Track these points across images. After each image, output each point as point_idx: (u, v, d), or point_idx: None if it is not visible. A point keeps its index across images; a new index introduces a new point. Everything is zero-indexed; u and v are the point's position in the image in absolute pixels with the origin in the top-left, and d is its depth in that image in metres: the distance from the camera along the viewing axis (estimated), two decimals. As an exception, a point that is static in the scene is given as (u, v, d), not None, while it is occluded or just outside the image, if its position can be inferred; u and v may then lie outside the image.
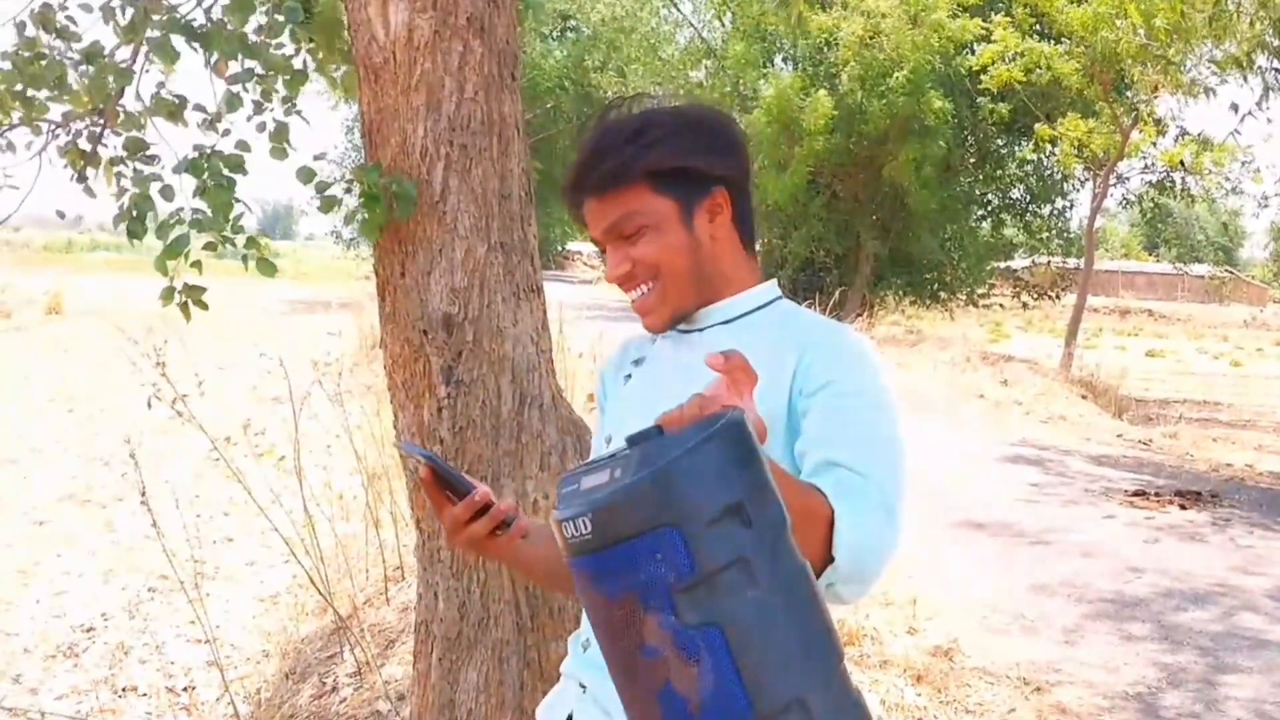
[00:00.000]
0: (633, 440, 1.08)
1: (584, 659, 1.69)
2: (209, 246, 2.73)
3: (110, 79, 2.96)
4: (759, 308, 1.65)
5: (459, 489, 1.50)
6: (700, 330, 1.64)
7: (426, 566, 2.75)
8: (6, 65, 3.13)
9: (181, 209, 2.73)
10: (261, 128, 2.92)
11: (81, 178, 3.16)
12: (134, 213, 2.75)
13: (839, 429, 1.44)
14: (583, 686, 1.67)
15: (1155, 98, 17.45)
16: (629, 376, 1.74)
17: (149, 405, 4.09)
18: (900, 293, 24.94)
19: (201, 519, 7.08)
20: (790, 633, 1.01)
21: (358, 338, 13.16)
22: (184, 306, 2.82)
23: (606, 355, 1.88)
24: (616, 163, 1.56)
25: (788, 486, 1.13)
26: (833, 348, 1.53)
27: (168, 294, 2.83)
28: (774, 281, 1.70)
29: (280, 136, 2.89)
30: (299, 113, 3.01)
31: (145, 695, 5.15)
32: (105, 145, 3.17)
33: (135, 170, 3.03)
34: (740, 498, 1.00)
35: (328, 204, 2.60)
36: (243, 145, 2.82)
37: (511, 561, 1.70)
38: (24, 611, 6.14)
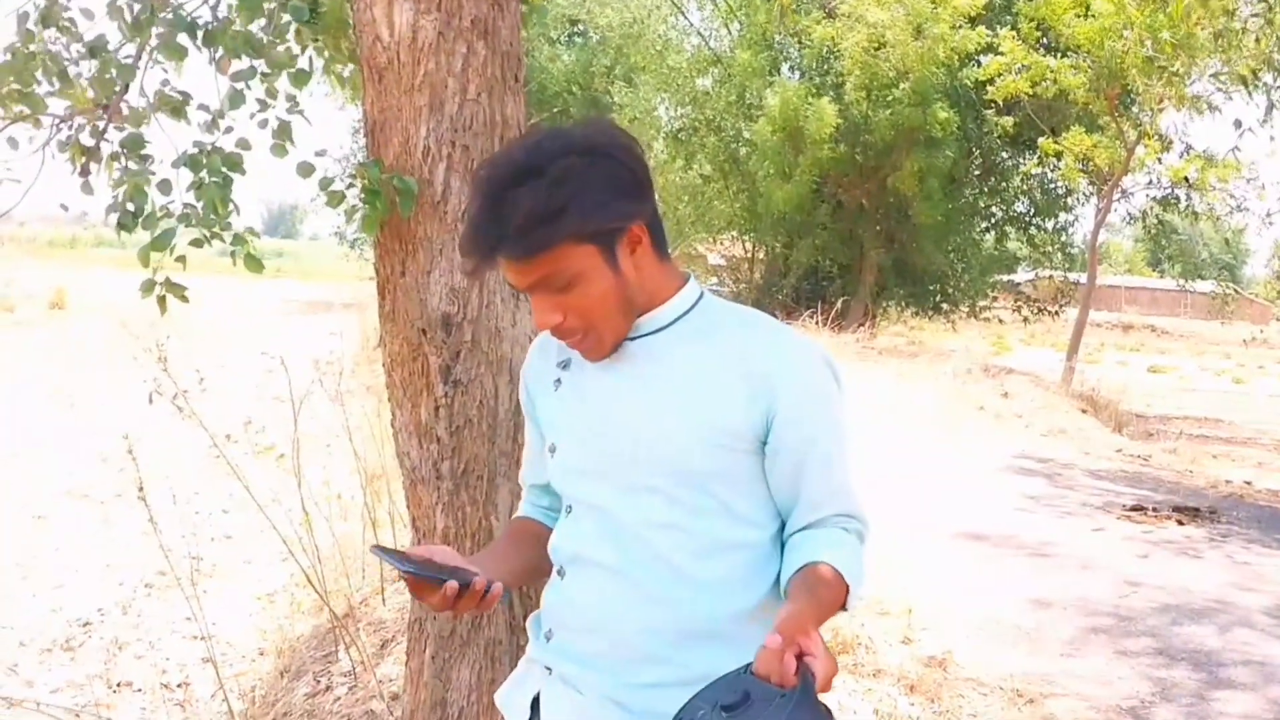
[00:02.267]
0: (728, 707, 1.30)
1: (548, 647, 1.75)
2: (195, 243, 2.73)
3: (114, 74, 2.97)
4: (688, 311, 1.69)
5: (436, 579, 1.57)
6: (633, 339, 1.68)
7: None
8: (6, 57, 3.14)
9: (172, 202, 2.74)
10: (264, 124, 2.93)
11: (84, 173, 3.17)
12: (127, 205, 2.76)
13: (831, 485, 1.67)
14: (548, 669, 1.73)
15: (1160, 111, 17.46)
16: (558, 381, 1.76)
17: (150, 400, 4.10)
18: (903, 303, 24.96)
19: (200, 516, 7.10)
20: None
21: (359, 338, 13.17)
22: (161, 300, 2.82)
23: (526, 359, 1.89)
24: (531, 238, 1.53)
25: (825, 609, 1.56)
26: (808, 399, 1.66)
27: (147, 286, 2.83)
28: (694, 280, 1.74)
29: (283, 135, 2.90)
30: (301, 112, 3.02)
31: (140, 691, 5.16)
32: (108, 141, 3.18)
33: (129, 168, 3.03)
34: None
35: (334, 199, 2.61)
36: (243, 143, 2.83)
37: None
38: (21, 605, 6.15)
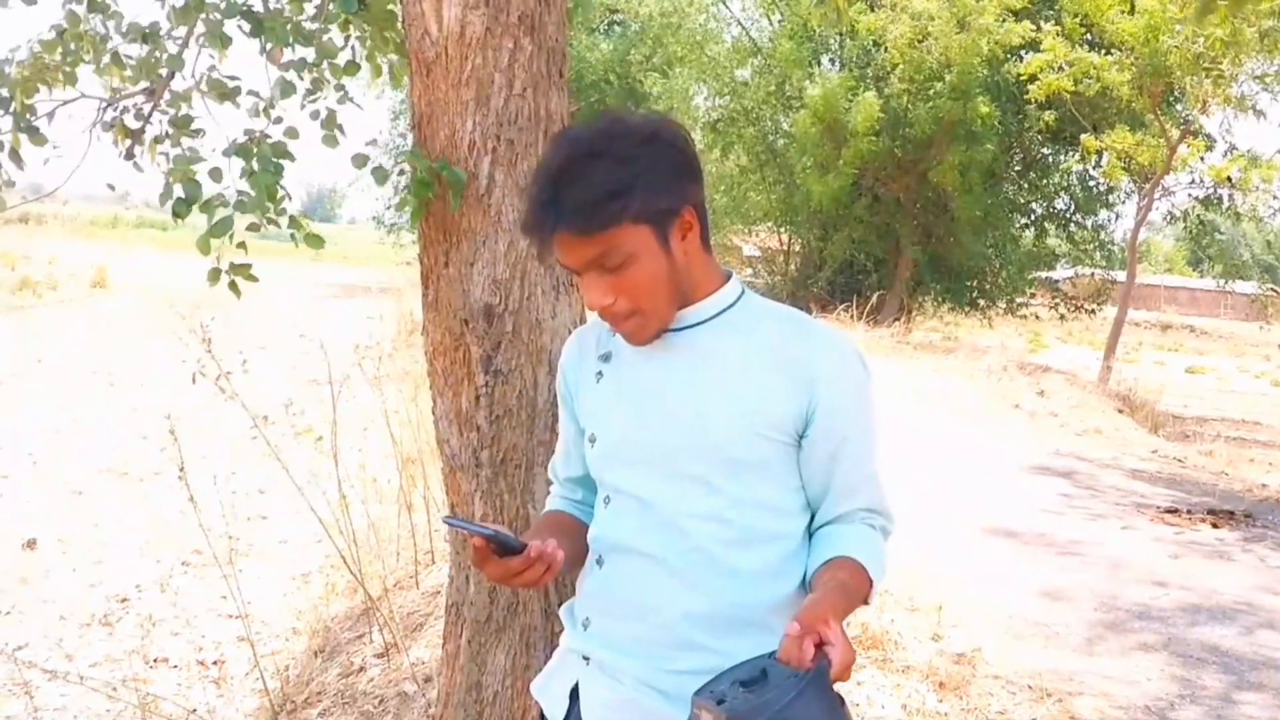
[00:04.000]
0: (745, 683, 1.39)
1: (586, 635, 1.78)
2: (252, 227, 2.79)
3: (162, 57, 3.02)
4: (730, 306, 1.75)
5: (510, 549, 1.59)
6: (677, 330, 1.73)
7: (459, 550, 2.80)
8: (51, 35, 3.20)
9: (227, 188, 2.79)
10: (315, 116, 2.97)
11: (129, 155, 3.23)
12: (181, 194, 2.81)
13: (860, 478, 1.74)
14: (586, 659, 1.76)
15: (1206, 110, 17.26)
16: (599, 374, 1.81)
17: (193, 380, 4.17)
18: (939, 298, 24.79)
19: (237, 495, 7.19)
20: None
21: (397, 323, 13.26)
22: (233, 285, 2.88)
23: (565, 350, 1.93)
24: (597, 210, 1.59)
25: (849, 601, 1.62)
26: (846, 392, 1.71)
27: (214, 275, 2.90)
28: (735, 277, 1.80)
29: (331, 124, 2.95)
30: (351, 100, 3.07)
31: (176, 667, 5.25)
32: (152, 123, 3.24)
33: (182, 147, 3.09)
34: None
35: (381, 175, 2.66)
36: (291, 132, 2.88)
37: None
38: (61, 580, 6.27)
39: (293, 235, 2.78)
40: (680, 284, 1.69)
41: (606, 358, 1.81)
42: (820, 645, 1.40)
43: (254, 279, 2.91)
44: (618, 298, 1.65)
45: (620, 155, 1.61)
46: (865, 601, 1.69)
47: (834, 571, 1.66)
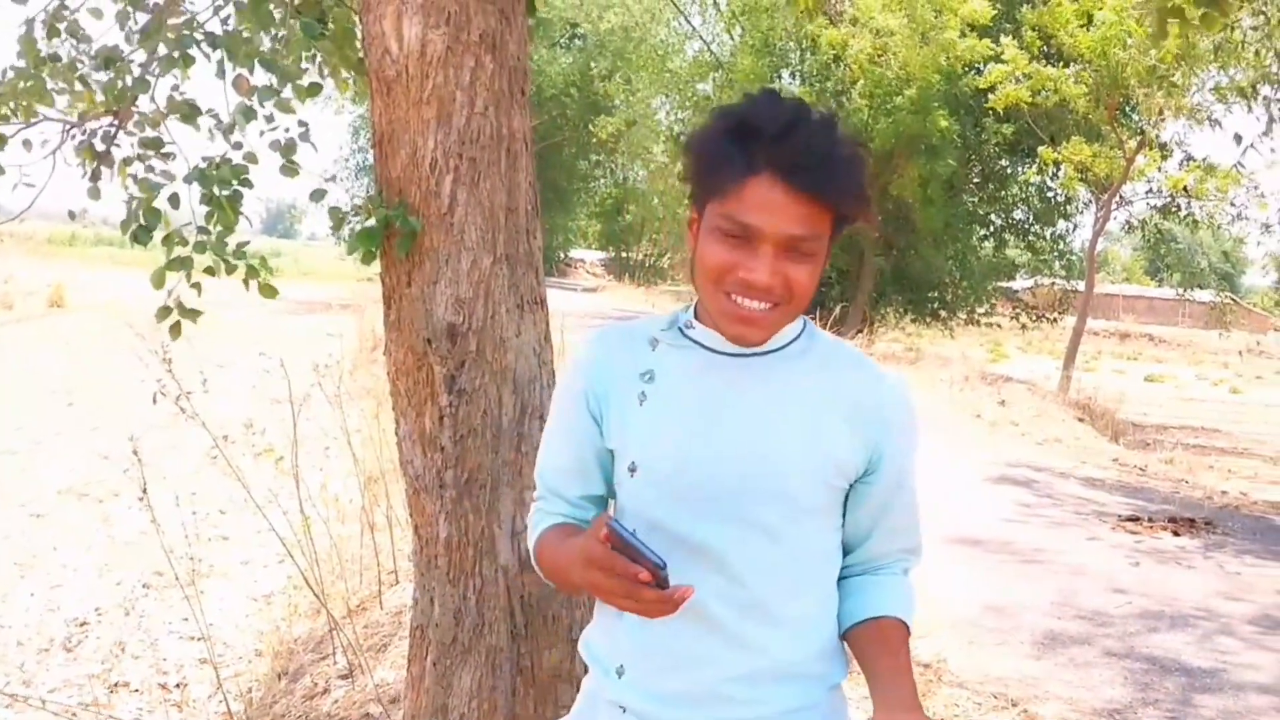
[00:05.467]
0: None
1: (620, 684, 1.64)
2: (209, 271, 2.78)
3: (127, 82, 3.01)
4: (797, 336, 1.63)
5: (643, 558, 1.38)
6: (740, 356, 1.59)
7: (424, 572, 2.78)
8: (22, 63, 3.18)
9: (188, 224, 2.78)
10: (275, 146, 2.96)
11: (94, 177, 3.21)
12: (142, 221, 2.80)
13: (907, 521, 1.71)
14: (622, 709, 1.63)
15: (1160, 121, 17.51)
16: (643, 395, 1.62)
17: (154, 401, 4.12)
18: (901, 310, 24.99)
19: (198, 516, 7.12)
20: None
21: (357, 339, 13.20)
22: (175, 327, 2.88)
23: (592, 357, 1.67)
24: (843, 182, 1.46)
25: (908, 677, 1.57)
26: (907, 441, 1.66)
27: (163, 312, 2.89)
28: None
29: (289, 153, 2.94)
30: (310, 141, 3.06)
31: (138, 691, 5.18)
32: (118, 146, 3.22)
33: (149, 168, 3.07)
34: None
35: (336, 216, 2.65)
36: (250, 157, 2.87)
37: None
38: (19, 604, 6.17)
39: (245, 281, 2.77)
40: None
41: (649, 377, 1.62)
42: None
43: (195, 322, 2.91)
44: (783, 283, 1.47)
45: (862, 153, 1.50)
46: None
47: (894, 647, 1.60)
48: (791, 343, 1.61)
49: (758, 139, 1.44)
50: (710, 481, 1.56)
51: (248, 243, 2.79)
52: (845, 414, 1.58)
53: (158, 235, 2.80)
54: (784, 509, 1.55)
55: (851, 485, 1.62)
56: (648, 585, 1.37)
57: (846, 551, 1.69)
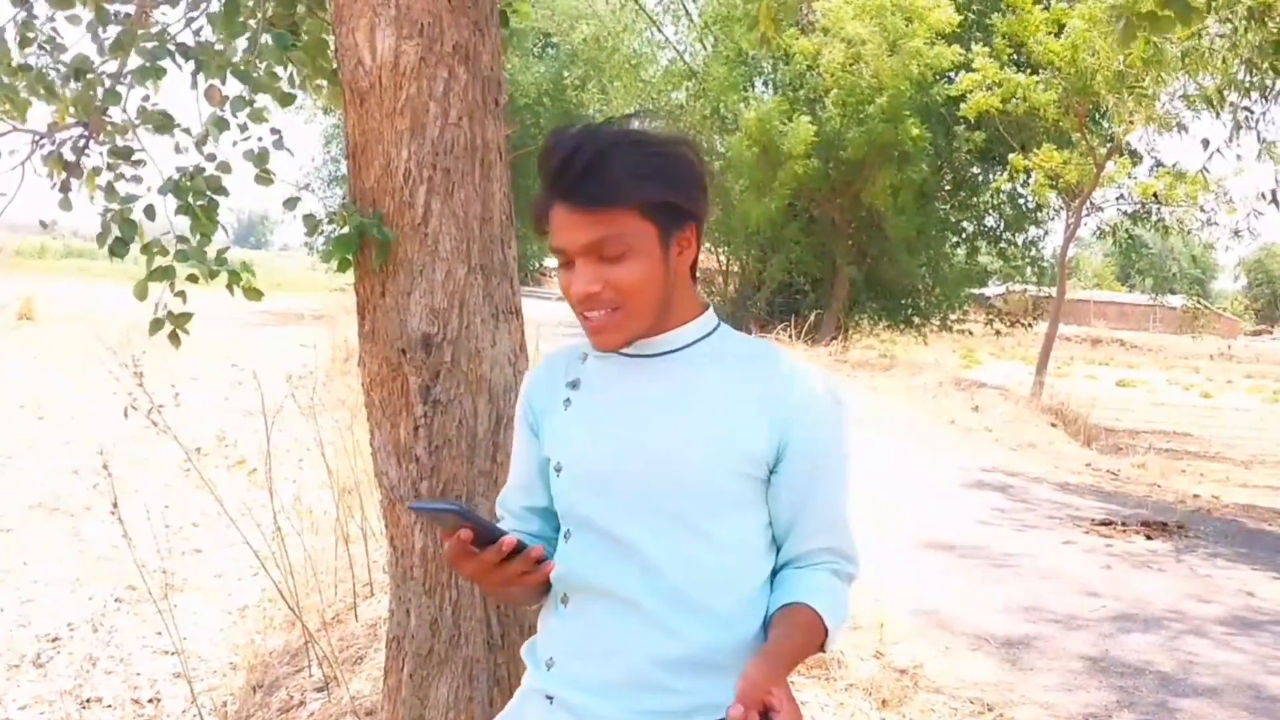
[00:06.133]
0: None
1: (549, 675, 1.72)
2: (191, 278, 2.77)
3: (98, 93, 2.99)
4: (706, 336, 1.72)
5: (486, 535, 1.52)
6: (648, 357, 1.70)
7: (399, 583, 2.77)
8: None
9: (166, 234, 2.77)
10: (249, 155, 2.95)
11: (64, 188, 3.19)
12: (118, 233, 2.78)
13: (827, 518, 1.71)
14: (549, 699, 1.71)
15: (1130, 128, 17.66)
16: (568, 401, 1.75)
17: (126, 414, 4.09)
18: (875, 317, 25.11)
19: (170, 529, 7.06)
20: None
21: (331, 350, 13.14)
22: (173, 335, 2.86)
23: (531, 377, 1.86)
24: (617, 185, 1.57)
25: (801, 651, 1.64)
26: (819, 429, 1.68)
27: (155, 325, 2.88)
28: (711, 309, 1.77)
29: (263, 162, 2.93)
30: (285, 148, 3.05)
31: (110, 706, 5.13)
32: (88, 156, 3.20)
33: (119, 176, 3.06)
34: None
35: (311, 223, 2.64)
36: (224, 166, 2.86)
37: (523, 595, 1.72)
38: (-11, 620, 6.10)
39: (229, 285, 2.75)
40: (667, 298, 1.66)
41: (575, 385, 1.75)
42: (767, 712, 1.42)
43: (187, 332, 2.89)
44: (605, 287, 1.60)
45: (646, 144, 1.61)
46: (821, 649, 1.68)
47: (789, 624, 1.63)
48: (698, 341, 1.71)
49: (547, 179, 1.61)
50: (622, 476, 1.66)
51: (228, 248, 2.78)
52: (754, 404, 1.65)
53: (134, 248, 2.78)
54: (694, 500, 1.63)
55: (770, 476, 1.67)
56: (509, 557, 1.53)
57: (777, 551, 1.74)
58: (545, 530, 1.83)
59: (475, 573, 1.57)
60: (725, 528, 1.65)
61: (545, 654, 1.75)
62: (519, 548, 1.54)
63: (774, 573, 1.74)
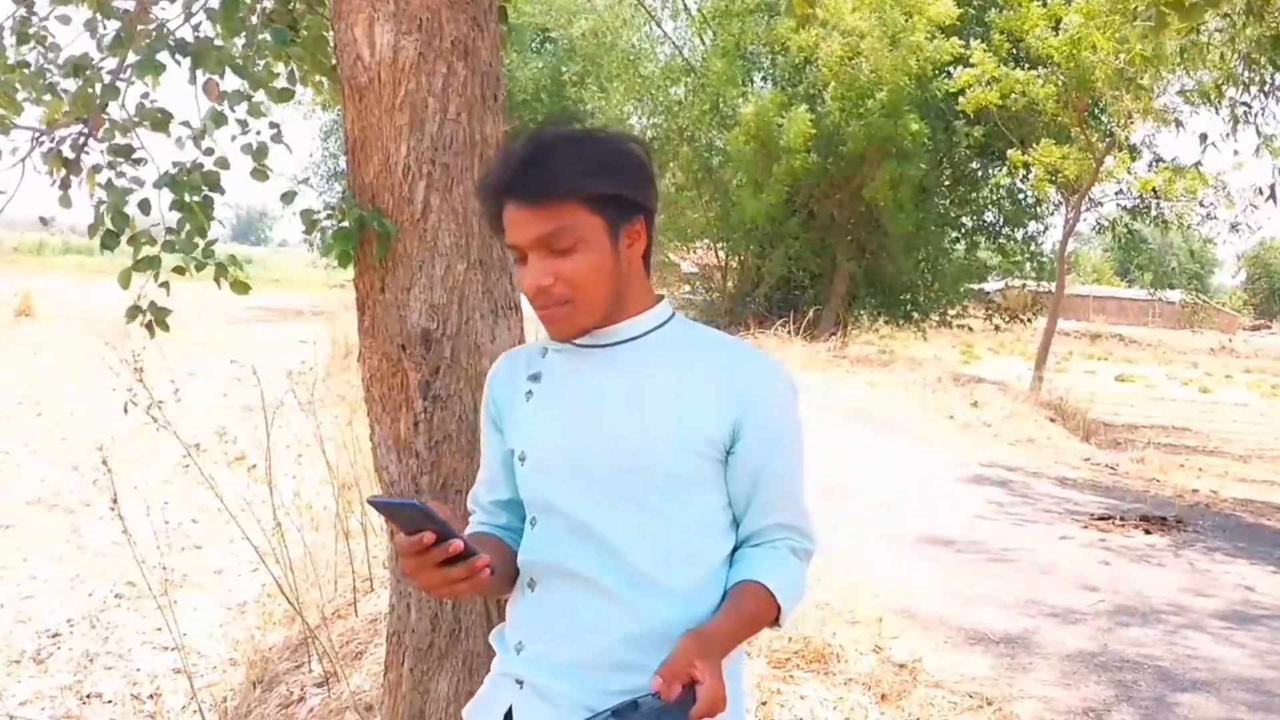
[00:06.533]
0: (617, 711, 1.53)
1: (519, 659, 1.77)
2: (178, 270, 2.77)
3: (97, 89, 2.99)
4: (661, 325, 1.77)
5: (444, 536, 1.53)
6: (604, 346, 1.75)
7: (400, 578, 2.78)
8: None
9: (156, 225, 2.77)
10: (247, 149, 2.95)
11: (64, 185, 3.19)
12: (110, 226, 2.78)
13: (781, 495, 1.77)
14: (519, 683, 1.75)
15: (1129, 123, 17.65)
16: (530, 393, 1.80)
17: (125, 410, 4.10)
18: (874, 313, 25.08)
19: (170, 525, 7.07)
20: None
21: (330, 346, 13.14)
22: (149, 325, 2.86)
23: (493, 374, 1.90)
24: (561, 178, 1.62)
25: (746, 627, 1.69)
26: (771, 409, 1.74)
27: (132, 312, 2.88)
28: (667, 301, 1.82)
29: (261, 157, 2.93)
30: (283, 142, 3.05)
31: (111, 702, 5.14)
32: (88, 153, 3.20)
33: (119, 174, 3.06)
34: None
35: (309, 220, 2.64)
36: (222, 162, 2.86)
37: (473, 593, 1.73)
38: (-11, 616, 6.11)
39: (217, 279, 2.75)
40: (618, 289, 1.71)
41: (536, 378, 1.81)
42: (692, 683, 1.49)
43: (165, 327, 2.89)
44: (556, 281, 1.66)
45: (590, 142, 1.67)
46: (775, 624, 1.74)
47: (734, 602, 1.70)
48: (653, 330, 1.76)
49: (499, 183, 1.67)
50: (586, 463, 1.71)
51: (215, 240, 2.78)
52: (708, 388, 1.71)
53: (125, 238, 2.78)
54: (653, 482, 1.69)
55: (727, 457, 1.72)
56: (454, 560, 1.53)
57: (736, 530, 1.80)
58: (513, 522, 1.88)
59: (415, 569, 1.57)
60: (684, 509, 1.70)
61: (514, 638, 1.79)
62: (465, 554, 1.54)
63: (734, 551, 1.79)
